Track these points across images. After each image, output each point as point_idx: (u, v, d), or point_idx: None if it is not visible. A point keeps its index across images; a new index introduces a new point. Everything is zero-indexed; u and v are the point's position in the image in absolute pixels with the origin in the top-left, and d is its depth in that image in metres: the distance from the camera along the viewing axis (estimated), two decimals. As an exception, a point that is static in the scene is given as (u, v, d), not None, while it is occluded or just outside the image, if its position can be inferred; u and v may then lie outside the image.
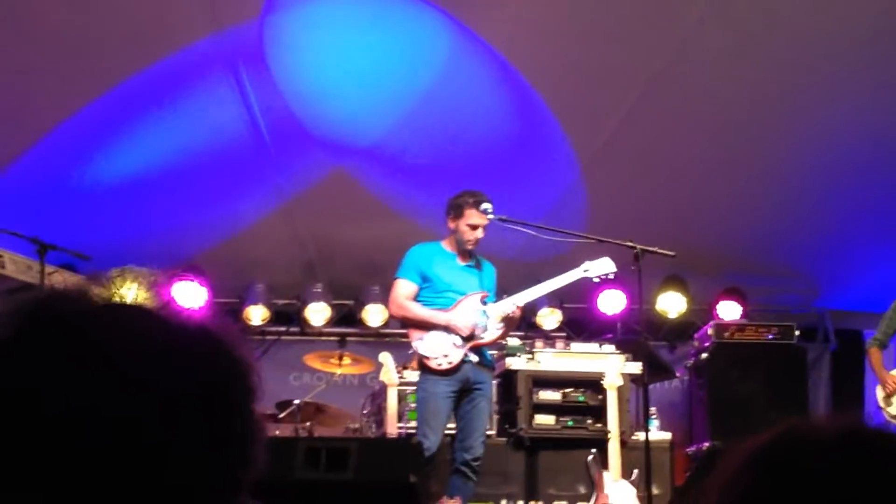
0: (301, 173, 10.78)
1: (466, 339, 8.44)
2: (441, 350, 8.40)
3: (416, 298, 8.60)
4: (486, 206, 8.44)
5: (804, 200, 11.22)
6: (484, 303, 8.58)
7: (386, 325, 12.58)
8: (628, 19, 8.84)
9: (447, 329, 8.43)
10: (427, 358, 8.41)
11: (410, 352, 8.70)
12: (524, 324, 13.19)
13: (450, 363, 8.38)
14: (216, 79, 9.43)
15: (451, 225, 8.56)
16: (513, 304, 8.61)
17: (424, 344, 8.43)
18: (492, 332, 8.57)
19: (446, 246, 8.68)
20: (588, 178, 10.83)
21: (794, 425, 1.36)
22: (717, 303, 12.81)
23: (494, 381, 10.00)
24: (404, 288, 8.63)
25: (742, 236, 11.92)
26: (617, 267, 8.74)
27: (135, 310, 1.37)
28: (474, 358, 8.45)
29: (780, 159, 10.55)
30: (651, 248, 8.16)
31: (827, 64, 9.25)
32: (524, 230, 8.60)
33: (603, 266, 8.81)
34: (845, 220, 11.47)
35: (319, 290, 12.80)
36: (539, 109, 9.82)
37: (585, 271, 8.82)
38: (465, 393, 8.48)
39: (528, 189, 10.68)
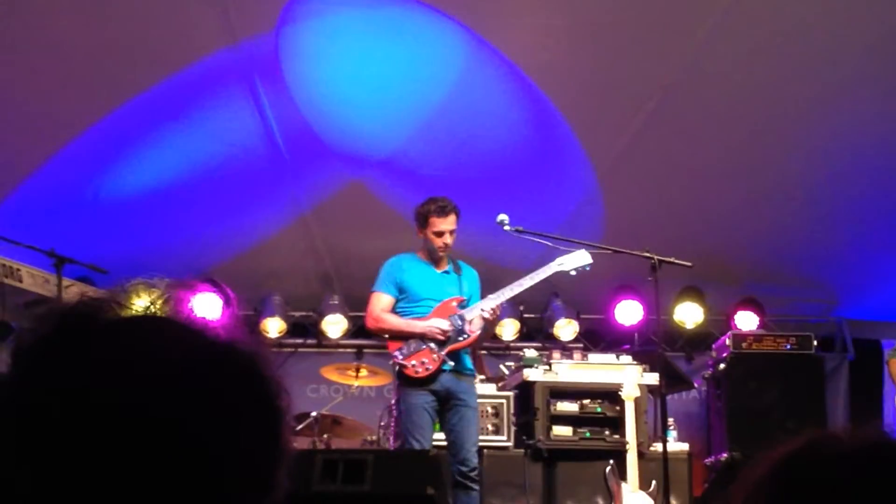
0: (317, 185, 10.80)
1: (443, 344, 8.44)
2: (419, 357, 8.38)
3: (395, 310, 8.61)
4: (503, 217, 8.43)
5: (821, 210, 11.20)
6: (461, 307, 8.58)
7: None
8: (644, 30, 8.83)
9: (423, 337, 8.43)
10: (406, 367, 8.39)
11: (391, 362, 8.66)
12: (541, 335, 13.21)
13: (427, 370, 8.35)
14: (232, 91, 9.45)
15: (420, 234, 8.58)
16: (488, 305, 8.60)
17: (402, 353, 8.42)
18: (468, 335, 8.55)
19: (422, 255, 8.69)
20: (605, 188, 10.82)
21: (816, 437, 1.35)
22: (735, 313, 12.78)
23: (511, 393, 10.02)
24: (381, 301, 8.64)
25: (759, 246, 11.90)
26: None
27: (163, 321, 1.36)
28: (451, 363, 8.44)
29: (796, 168, 10.52)
30: (668, 259, 8.14)
31: (842, 72, 9.24)
32: (541, 241, 8.59)
33: (578, 259, 8.75)
34: (863, 228, 11.44)
35: (336, 302, 12.79)
36: (555, 120, 9.82)
37: (560, 265, 8.78)
38: (447, 404, 8.45)
39: (545, 200, 10.68)
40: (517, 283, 8.76)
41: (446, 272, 8.68)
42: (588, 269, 8.82)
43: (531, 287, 8.85)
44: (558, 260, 8.78)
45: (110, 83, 9.21)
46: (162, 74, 9.13)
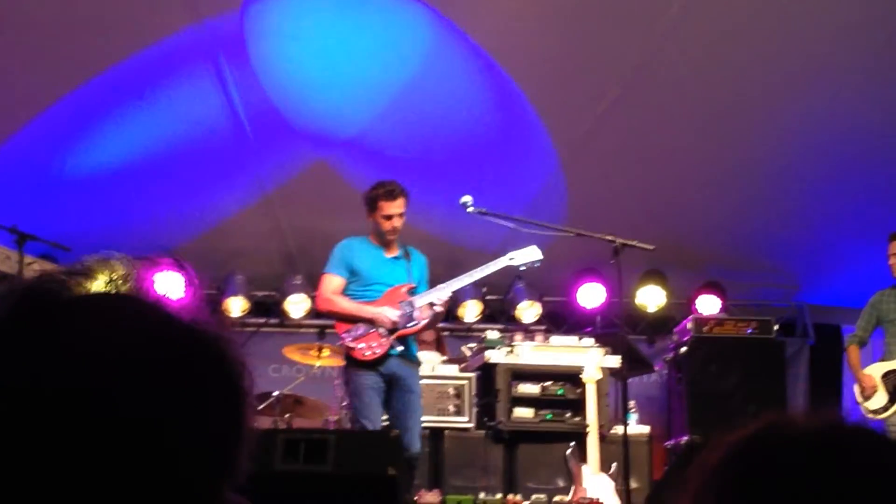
0: (282, 165, 10.77)
1: (392, 329, 8.48)
2: (367, 340, 8.42)
3: (346, 292, 8.65)
4: (466, 198, 8.44)
5: (784, 195, 11.24)
6: (411, 294, 8.62)
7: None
8: (610, 12, 8.84)
9: (373, 321, 8.46)
10: (353, 349, 8.43)
11: (339, 343, 8.71)
12: (503, 317, 13.24)
13: (375, 353, 8.40)
14: (197, 69, 9.40)
15: (370, 219, 8.60)
16: (437, 294, 8.64)
17: (351, 336, 8.45)
18: (417, 322, 8.58)
19: (373, 239, 8.71)
20: (568, 171, 10.83)
21: (773, 421, 1.34)
22: (697, 297, 12.84)
23: (473, 374, 10.06)
24: (332, 283, 8.67)
25: (722, 230, 11.94)
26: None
27: (126, 299, 1.35)
28: (399, 348, 8.48)
29: (760, 153, 10.56)
30: (631, 242, 8.16)
31: (807, 58, 9.27)
32: (504, 223, 8.60)
33: (528, 255, 8.81)
34: (825, 214, 11.50)
35: (299, 281, 12.77)
36: (520, 102, 9.82)
37: (511, 259, 8.83)
38: (392, 388, 8.50)
39: (509, 182, 10.69)
40: (467, 274, 8.82)
41: (396, 257, 8.71)
42: (537, 265, 8.88)
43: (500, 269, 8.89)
44: (510, 254, 8.84)
45: (74, 60, 9.15)
46: (126, 52, 9.08)
